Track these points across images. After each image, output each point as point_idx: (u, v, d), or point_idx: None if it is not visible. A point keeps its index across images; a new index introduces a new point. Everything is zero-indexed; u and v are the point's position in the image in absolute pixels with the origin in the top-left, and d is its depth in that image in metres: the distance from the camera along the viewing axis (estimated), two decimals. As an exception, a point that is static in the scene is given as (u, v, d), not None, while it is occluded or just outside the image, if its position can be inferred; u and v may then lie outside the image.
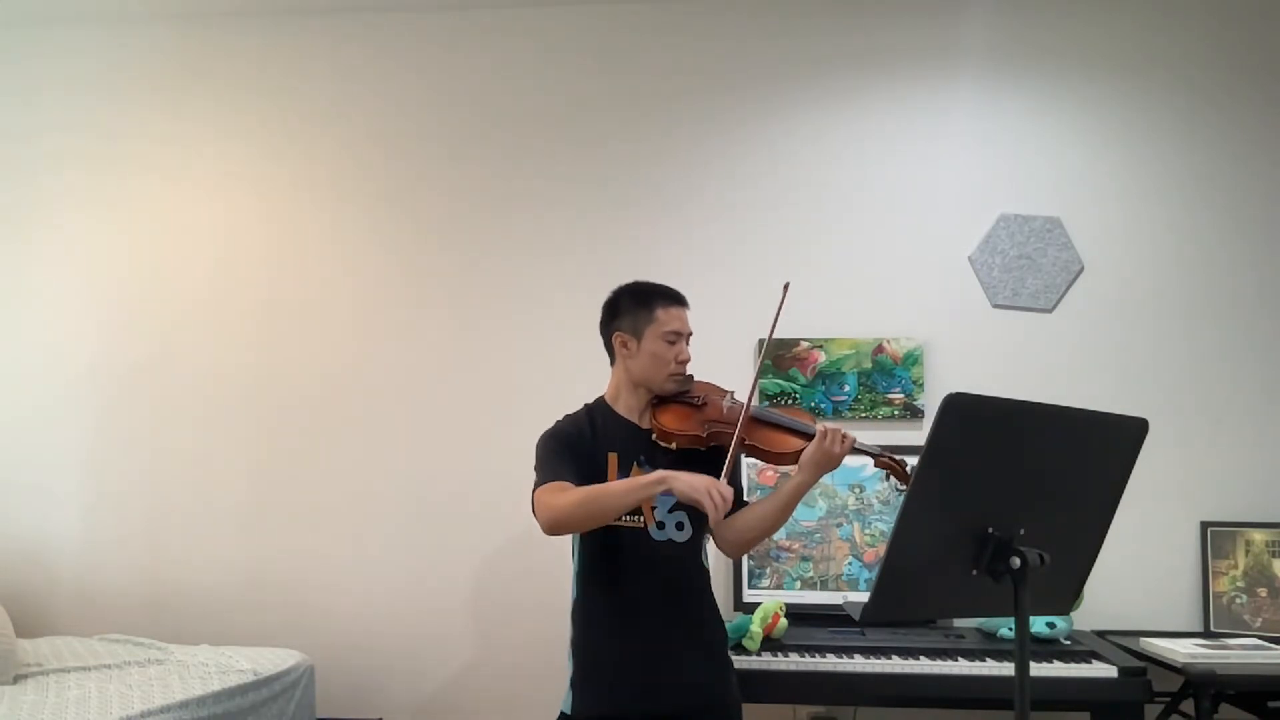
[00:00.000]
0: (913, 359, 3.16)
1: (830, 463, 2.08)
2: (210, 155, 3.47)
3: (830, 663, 2.54)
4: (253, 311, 3.42)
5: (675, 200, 3.31)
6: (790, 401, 3.17)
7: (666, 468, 2.09)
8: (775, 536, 2.83)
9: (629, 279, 2.29)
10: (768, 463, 2.24)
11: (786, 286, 2.22)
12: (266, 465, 3.37)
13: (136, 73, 3.51)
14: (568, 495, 1.99)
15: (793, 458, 2.17)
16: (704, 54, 3.33)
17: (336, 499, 3.34)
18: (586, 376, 2.49)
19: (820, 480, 2.15)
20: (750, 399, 2.16)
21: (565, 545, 2.23)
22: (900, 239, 3.22)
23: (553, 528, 2.02)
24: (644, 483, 1.94)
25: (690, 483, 1.89)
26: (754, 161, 3.29)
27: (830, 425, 2.10)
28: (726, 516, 2.17)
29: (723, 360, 3.11)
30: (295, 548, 3.34)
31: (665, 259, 3.25)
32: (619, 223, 3.32)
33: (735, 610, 2.95)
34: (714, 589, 2.25)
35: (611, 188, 3.34)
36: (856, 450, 2.11)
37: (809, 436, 2.15)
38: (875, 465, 2.18)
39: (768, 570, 3.02)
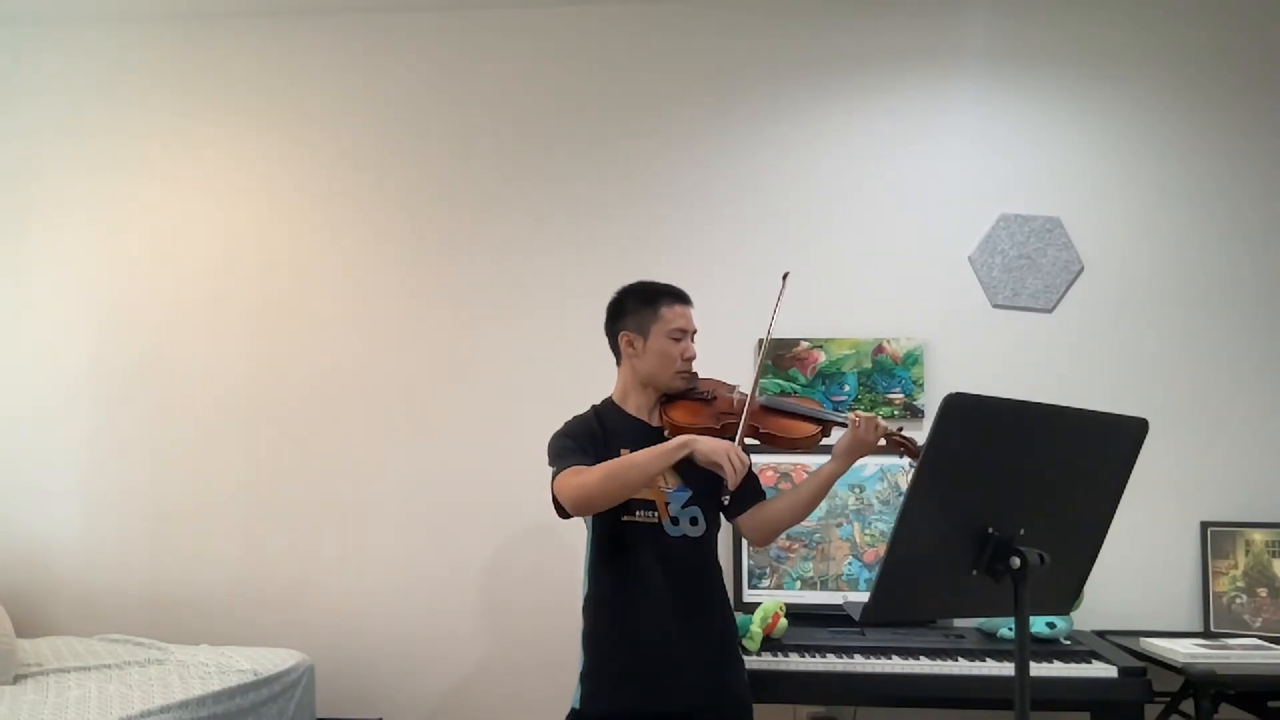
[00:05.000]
0: (913, 359, 3.16)
1: (863, 449, 2.10)
2: (210, 155, 3.48)
3: (830, 663, 2.54)
4: (252, 311, 3.42)
5: (675, 201, 3.31)
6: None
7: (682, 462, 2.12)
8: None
9: (630, 278, 2.30)
10: (781, 449, 2.25)
11: (786, 276, 2.22)
12: (266, 465, 3.37)
13: (136, 73, 3.51)
14: (592, 472, 2.01)
15: (806, 443, 2.19)
16: (704, 54, 3.33)
17: (336, 499, 3.34)
18: (587, 375, 2.50)
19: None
20: (755, 386, 2.19)
21: (568, 543, 2.23)
22: (900, 239, 3.22)
23: (579, 506, 2.03)
24: (668, 449, 1.98)
25: (712, 446, 1.96)
26: (754, 161, 3.29)
27: (861, 414, 2.10)
28: (744, 513, 2.20)
29: (724, 360, 3.12)
30: (295, 548, 3.34)
31: (665, 259, 3.25)
32: (619, 223, 3.32)
33: (736, 610, 2.94)
34: (714, 588, 2.25)
35: (611, 188, 3.34)
36: (887, 435, 2.11)
37: (820, 421, 2.18)
38: (888, 442, 2.14)
39: (768, 570, 3.02)
